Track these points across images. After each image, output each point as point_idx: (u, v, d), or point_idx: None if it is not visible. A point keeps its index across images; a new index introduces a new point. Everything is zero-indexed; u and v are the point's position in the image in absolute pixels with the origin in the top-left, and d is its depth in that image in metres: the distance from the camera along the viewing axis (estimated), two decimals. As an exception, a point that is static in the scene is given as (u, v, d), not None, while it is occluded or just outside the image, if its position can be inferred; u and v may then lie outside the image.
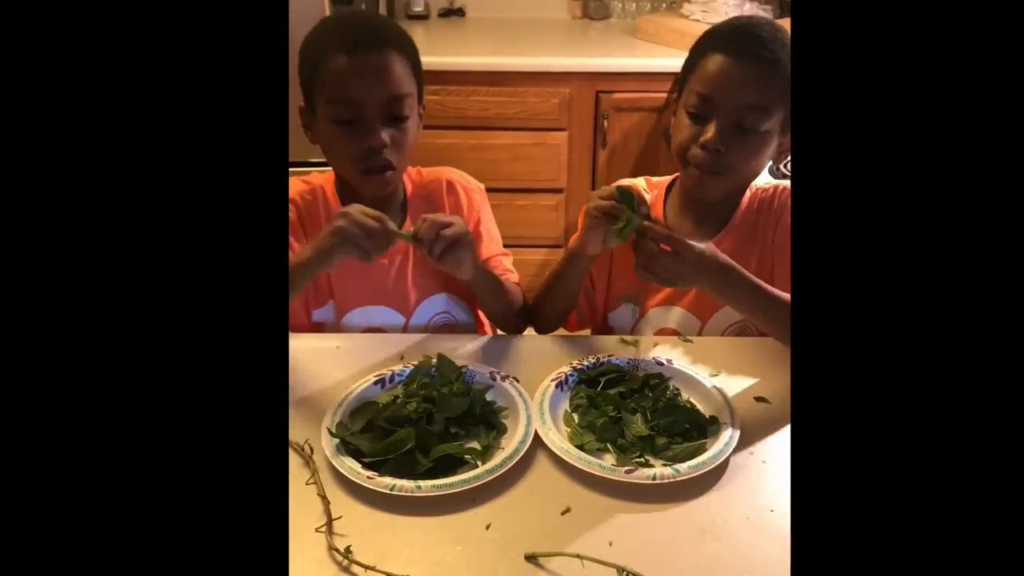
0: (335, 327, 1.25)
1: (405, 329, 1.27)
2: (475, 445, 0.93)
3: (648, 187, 1.30)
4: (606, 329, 1.33)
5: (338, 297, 1.24)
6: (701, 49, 1.15)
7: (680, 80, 1.21)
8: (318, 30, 1.16)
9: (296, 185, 1.26)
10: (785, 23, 2.53)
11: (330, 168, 1.25)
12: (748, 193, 1.24)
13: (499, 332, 1.31)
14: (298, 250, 1.18)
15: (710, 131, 1.11)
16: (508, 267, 1.31)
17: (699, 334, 1.25)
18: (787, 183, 1.26)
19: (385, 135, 1.11)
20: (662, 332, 1.27)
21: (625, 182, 1.30)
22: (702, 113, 1.12)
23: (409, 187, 1.28)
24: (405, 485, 0.85)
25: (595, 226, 1.05)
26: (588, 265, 1.18)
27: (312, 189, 1.25)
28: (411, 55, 1.15)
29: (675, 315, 1.26)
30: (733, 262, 1.04)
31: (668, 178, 1.31)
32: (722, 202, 1.21)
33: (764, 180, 1.27)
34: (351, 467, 0.88)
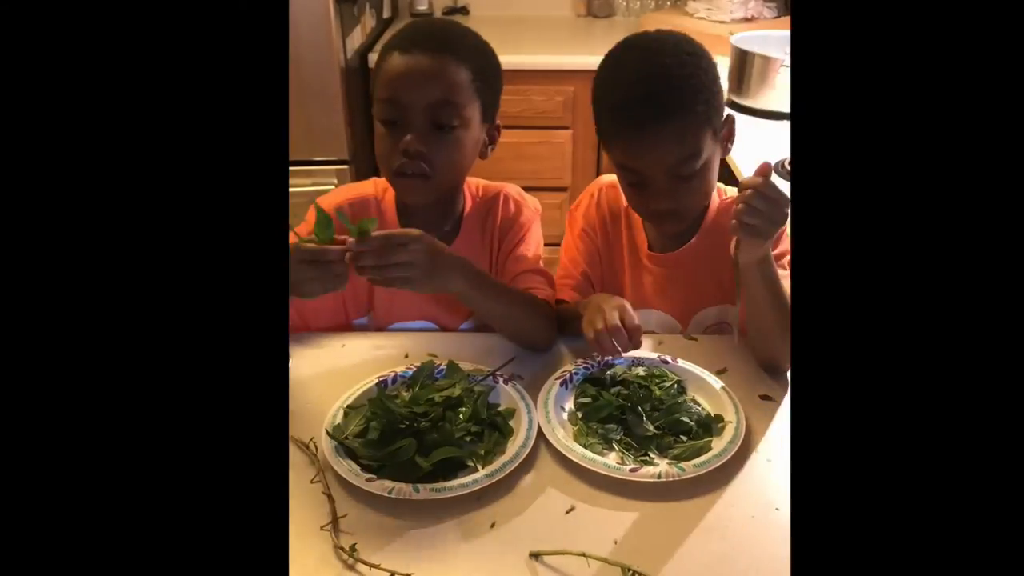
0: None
1: None
2: (478, 449, 0.93)
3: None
4: None
5: (379, 310, 1.21)
6: (600, 124, 1.15)
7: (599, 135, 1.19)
8: (393, 33, 1.13)
9: (344, 193, 1.23)
10: (786, 22, 2.54)
11: (382, 179, 1.22)
12: (717, 201, 1.22)
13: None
14: None
15: (656, 198, 1.08)
16: (536, 284, 1.20)
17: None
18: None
19: (420, 142, 1.06)
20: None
21: (606, 178, 1.31)
22: (638, 183, 1.10)
23: (469, 203, 1.24)
24: (403, 488, 0.85)
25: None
26: None
27: (363, 197, 1.21)
28: (476, 66, 1.09)
29: (654, 318, 1.26)
30: None
31: None
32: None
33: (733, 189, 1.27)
34: (350, 469, 0.88)
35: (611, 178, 1.31)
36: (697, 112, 1.04)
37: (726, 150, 1.15)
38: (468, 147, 1.13)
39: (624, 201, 1.26)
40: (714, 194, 1.22)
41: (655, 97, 1.03)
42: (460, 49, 1.09)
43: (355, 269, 0.93)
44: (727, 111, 1.12)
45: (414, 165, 1.07)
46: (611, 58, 1.14)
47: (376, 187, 1.23)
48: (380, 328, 1.23)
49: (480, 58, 1.12)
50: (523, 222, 1.26)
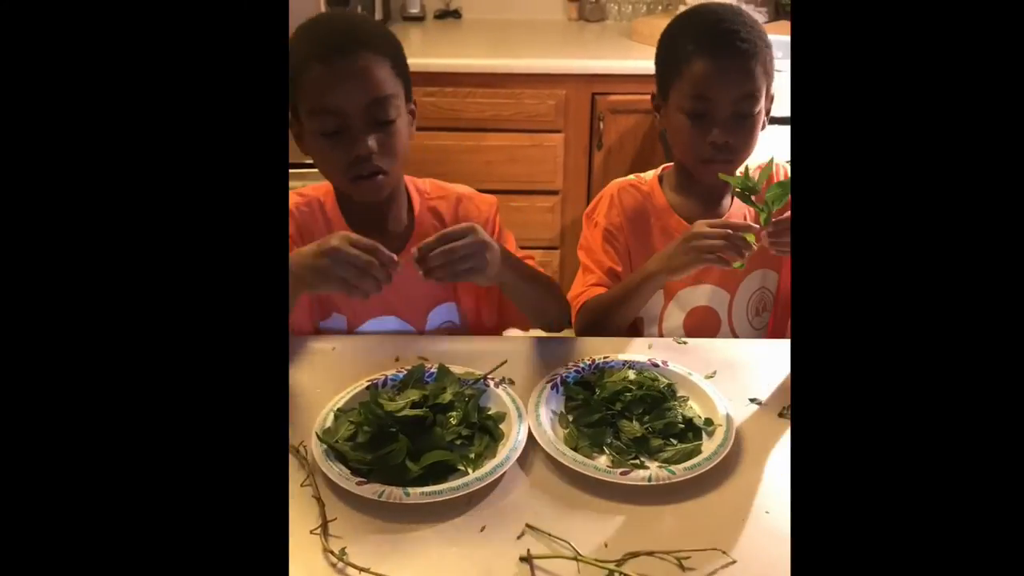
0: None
1: None
2: (469, 452, 0.92)
3: (640, 180, 1.34)
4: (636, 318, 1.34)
5: (348, 309, 1.22)
6: (679, 52, 1.20)
7: (662, 85, 1.26)
8: (293, 39, 1.12)
9: (291, 198, 1.23)
10: (781, 25, 2.55)
11: (319, 184, 1.24)
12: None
13: (504, 333, 1.31)
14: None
15: (714, 129, 1.18)
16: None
17: (729, 306, 1.30)
18: (777, 161, 1.31)
19: (372, 141, 1.08)
20: (693, 312, 1.31)
21: (619, 180, 1.34)
22: (701, 113, 1.19)
23: (417, 201, 1.25)
24: (394, 492, 0.84)
25: (703, 261, 1.09)
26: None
27: (308, 201, 1.22)
28: (391, 54, 1.12)
29: (704, 292, 1.30)
30: None
31: (655, 171, 1.36)
32: (718, 185, 1.27)
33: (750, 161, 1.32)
34: (339, 473, 0.87)
35: (626, 179, 1.35)
36: (764, 60, 1.19)
37: (764, 124, 1.25)
38: (405, 133, 1.15)
39: (649, 195, 1.31)
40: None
41: (736, 33, 1.17)
42: (373, 41, 1.11)
43: (424, 270, 0.97)
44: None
45: (370, 167, 1.10)
46: (689, 11, 1.28)
47: (317, 190, 1.24)
48: (352, 328, 1.23)
49: (390, 45, 1.14)
50: (488, 217, 1.28)
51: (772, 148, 1.26)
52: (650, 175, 1.35)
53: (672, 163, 1.34)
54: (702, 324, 1.31)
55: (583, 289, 1.28)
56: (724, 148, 1.19)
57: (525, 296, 1.17)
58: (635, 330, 1.32)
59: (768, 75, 1.21)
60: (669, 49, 1.24)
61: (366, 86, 1.07)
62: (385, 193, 1.16)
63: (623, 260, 1.30)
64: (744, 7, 2.53)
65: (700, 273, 1.27)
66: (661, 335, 1.30)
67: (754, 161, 1.33)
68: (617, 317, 1.23)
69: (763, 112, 1.23)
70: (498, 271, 1.05)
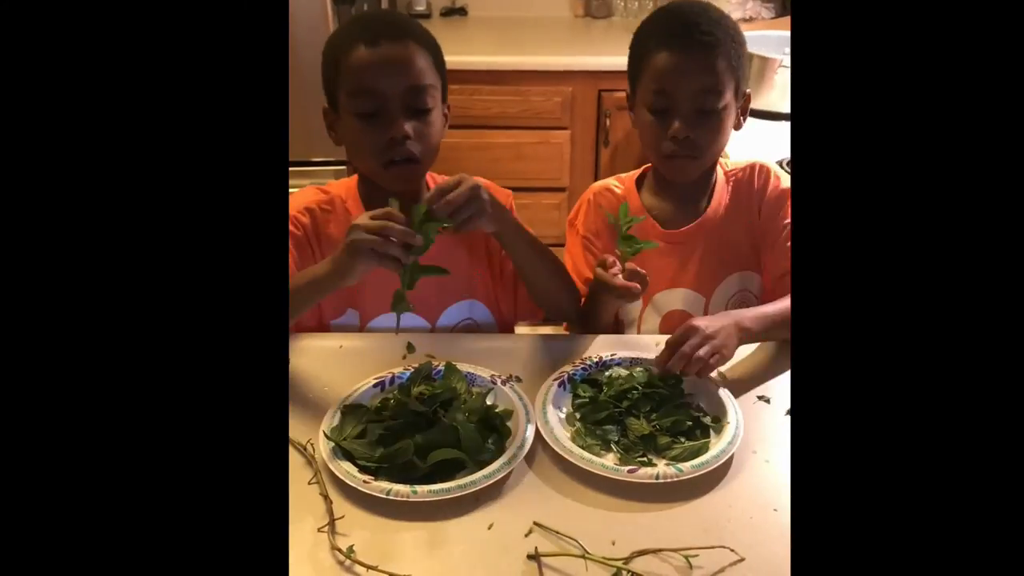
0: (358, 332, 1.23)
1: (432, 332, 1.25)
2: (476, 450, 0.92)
3: (619, 183, 1.33)
4: (615, 322, 1.33)
5: (361, 305, 1.22)
6: (643, 48, 1.21)
7: (630, 81, 1.26)
8: (341, 28, 1.18)
9: (312, 194, 1.23)
10: (784, 22, 2.54)
11: (342, 180, 1.24)
12: (721, 173, 1.29)
13: (517, 331, 1.31)
14: (312, 263, 1.18)
15: (675, 123, 1.17)
16: None
17: (705, 310, 1.28)
18: (761, 161, 1.31)
19: (408, 127, 1.10)
20: (670, 315, 1.29)
21: (598, 183, 1.35)
22: (662, 108, 1.18)
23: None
24: (401, 490, 0.85)
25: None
26: None
27: (330, 199, 1.23)
28: (433, 51, 1.16)
29: (679, 296, 1.29)
30: (745, 318, 1.07)
31: (634, 172, 1.35)
32: (695, 184, 1.26)
33: (733, 161, 1.33)
34: (347, 471, 0.87)
35: (604, 183, 1.34)
36: (727, 54, 1.16)
37: (739, 123, 1.23)
38: (439, 127, 1.17)
39: (625, 199, 1.28)
40: (718, 166, 1.28)
41: (697, 26, 1.16)
42: (418, 35, 1.14)
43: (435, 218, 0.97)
44: (747, 91, 1.23)
45: (404, 151, 1.11)
46: (657, 10, 1.27)
47: (338, 187, 1.25)
48: (364, 324, 1.22)
49: (432, 43, 1.17)
50: (507, 206, 1.28)
51: (771, 146, 1.25)
52: (630, 175, 1.34)
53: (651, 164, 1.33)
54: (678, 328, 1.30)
55: None
56: (686, 144, 1.17)
57: (538, 271, 1.17)
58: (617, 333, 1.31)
59: (735, 70, 1.18)
60: (636, 47, 1.24)
61: (407, 72, 1.10)
62: (415, 182, 1.18)
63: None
64: (750, 2, 2.53)
65: (674, 277, 1.28)
66: None
67: (739, 159, 1.32)
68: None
69: (732, 109, 1.20)
70: (499, 214, 1.06)
